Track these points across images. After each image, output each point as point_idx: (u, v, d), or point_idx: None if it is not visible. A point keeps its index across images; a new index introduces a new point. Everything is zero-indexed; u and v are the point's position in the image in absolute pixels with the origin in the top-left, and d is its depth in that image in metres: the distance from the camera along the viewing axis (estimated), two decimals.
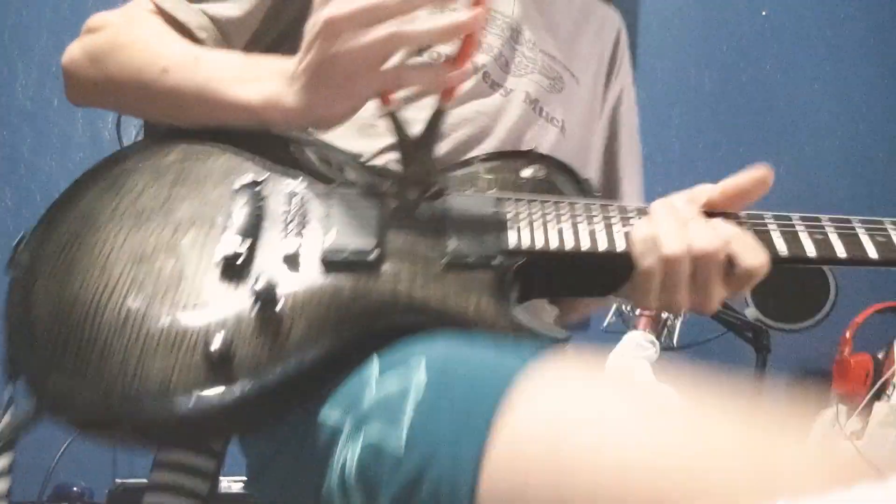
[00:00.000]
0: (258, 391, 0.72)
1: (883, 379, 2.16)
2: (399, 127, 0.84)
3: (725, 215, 0.83)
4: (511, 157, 0.97)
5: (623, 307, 2.04)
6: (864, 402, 2.16)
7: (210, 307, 0.75)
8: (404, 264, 0.81)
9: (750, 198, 0.85)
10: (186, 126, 0.92)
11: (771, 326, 2.27)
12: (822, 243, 0.81)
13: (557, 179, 0.94)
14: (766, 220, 0.84)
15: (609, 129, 1.24)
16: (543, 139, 1.07)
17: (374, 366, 0.74)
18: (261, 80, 0.86)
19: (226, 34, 0.99)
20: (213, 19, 0.98)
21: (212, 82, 0.88)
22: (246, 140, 0.90)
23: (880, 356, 2.24)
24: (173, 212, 0.82)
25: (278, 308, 0.76)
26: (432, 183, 0.86)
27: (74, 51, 0.96)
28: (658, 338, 1.95)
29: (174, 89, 0.90)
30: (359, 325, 0.78)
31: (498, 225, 0.84)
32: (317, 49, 0.81)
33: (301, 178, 0.87)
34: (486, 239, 0.83)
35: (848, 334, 2.33)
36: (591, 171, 1.19)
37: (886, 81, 2.76)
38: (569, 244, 0.82)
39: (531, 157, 0.96)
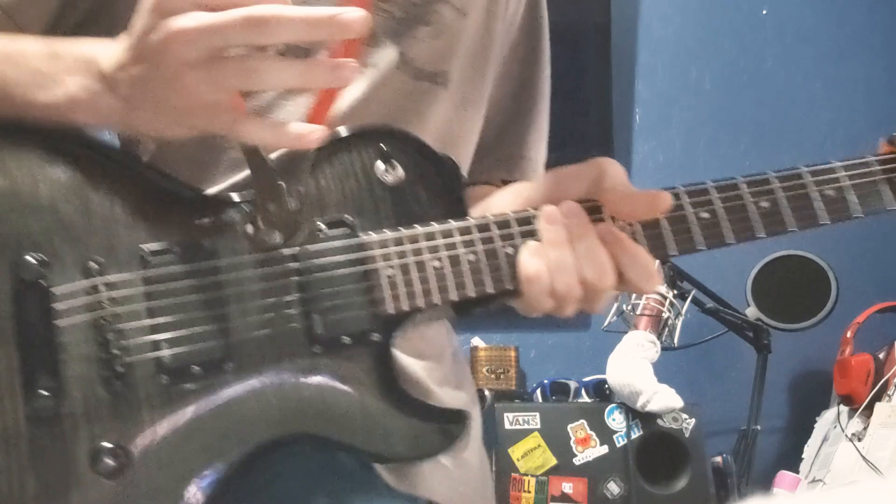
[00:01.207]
0: None
1: (884, 379, 2.15)
2: (257, 164, 0.66)
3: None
4: (354, 142, 0.74)
5: (624, 307, 2.04)
6: (866, 402, 2.15)
7: (43, 491, 0.59)
8: (267, 365, 0.66)
9: (636, 218, 0.75)
10: None
11: (772, 326, 2.26)
12: (711, 229, 0.75)
13: (416, 176, 0.74)
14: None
15: (516, 52, 1.00)
16: (430, 110, 0.87)
17: None
18: (69, 74, 0.67)
19: (14, 15, 0.77)
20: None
21: (7, 86, 0.70)
22: (12, 160, 0.67)
23: (881, 356, 2.23)
24: None
25: (130, 471, 0.61)
26: (292, 228, 0.68)
27: None
28: (659, 338, 1.95)
29: None
30: (231, 451, 0.64)
31: (367, 284, 0.69)
32: (144, 51, 0.62)
33: (95, 241, 0.66)
34: (356, 305, 0.68)
35: (849, 334, 2.32)
36: (475, 130, 0.96)
37: (887, 79, 2.75)
38: (453, 293, 0.70)
39: (380, 150, 0.74)
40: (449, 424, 0.70)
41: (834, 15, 2.77)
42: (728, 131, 2.66)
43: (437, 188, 0.74)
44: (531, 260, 0.71)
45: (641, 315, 1.98)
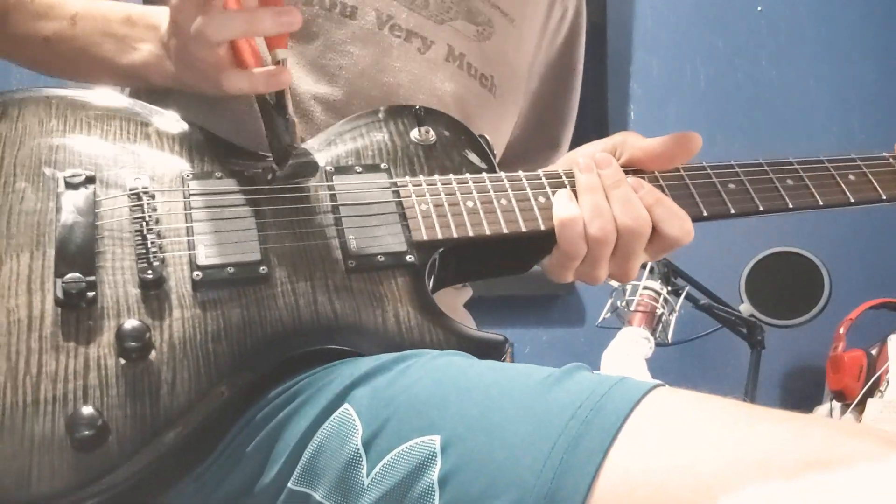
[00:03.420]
0: (150, 468, 0.58)
1: (876, 375, 2.16)
2: (265, 108, 0.73)
3: (639, 173, 0.79)
4: (392, 114, 0.81)
5: (618, 303, 2.05)
6: (858, 398, 2.16)
7: (62, 370, 0.58)
8: (300, 274, 0.67)
9: (673, 162, 0.80)
10: (65, 78, 0.85)
11: (765, 322, 2.27)
12: (741, 197, 0.79)
13: (449, 141, 0.80)
14: (682, 174, 0.80)
15: (552, 69, 1.06)
16: (473, 105, 0.91)
17: (354, 434, 0.58)
18: (142, 41, 0.78)
19: None
20: None
21: (91, 47, 0.80)
22: (59, 113, 0.72)
23: (874, 352, 2.24)
24: None
25: (152, 357, 0.60)
26: (304, 161, 0.72)
27: None
28: (653, 334, 1.95)
29: (59, 56, 0.82)
30: (259, 361, 0.63)
31: (400, 213, 0.71)
32: (173, 22, 0.73)
33: (142, 169, 0.70)
34: (391, 231, 0.70)
35: (842, 330, 2.33)
36: (509, 127, 1.01)
37: (881, 77, 2.76)
38: (486, 228, 0.71)
39: (416, 114, 0.81)
40: (485, 350, 0.69)
41: (828, 13, 2.78)
42: (723, 130, 2.67)
43: (469, 153, 0.79)
44: (565, 204, 0.73)
45: (635, 311, 1.99)
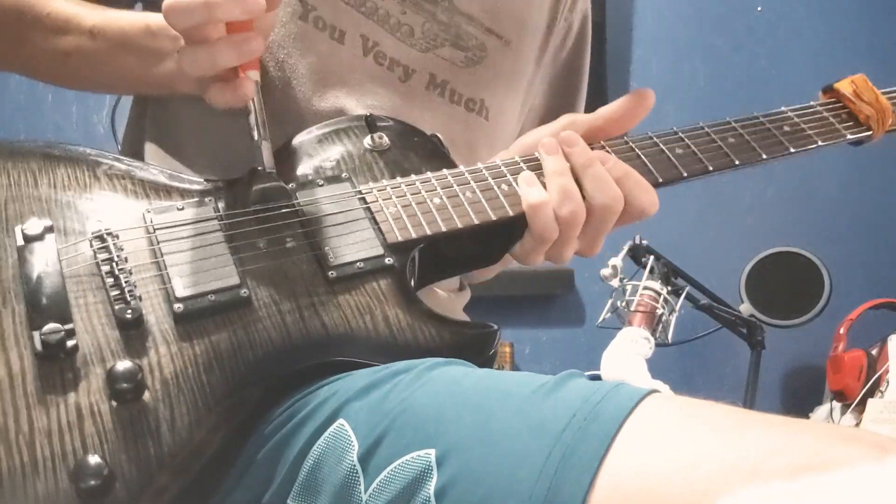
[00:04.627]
0: None
1: (877, 375, 2.16)
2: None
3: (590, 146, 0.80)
4: (342, 125, 0.82)
5: (618, 304, 2.04)
6: (858, 398, 2.16)
7: (55, 424, 0.56)
8: (282, 292, 0.66)
9: (634, 119, 0.81)
10: (87, 90, 0.87)
11: (765, 322, 2.27)
12: (689, 160, 0.82)
13: (404, 143, 0.81)
14: (631, 145, 0.82)
15: (556, 84, 1.07)
16: (457, 129, 0.92)
17: (350, 450, 0.58)
18: (167, 53, 0.78)
19: None
20: None
21: (115, 60, 0.80)
22: (1, 169, 0.71)
23: (874, 352, 2.24)
24: None
25: (146, 397, 0.58)
26: (270, 183, 0.72)
27: None
28: (653, 334, 1.95)
29: (82, 70, 0.82)
30: (253, 382, 0.62)
31: (370, 218, 0.72)
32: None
33: (98, 211, 0.69)
34: (365, 237, 0.71)
35: (842, 330, 2.33)
36: (506, 144, 0.99)
37: (881, 77, 2.76)
38: (457, 221, 0.72)
39: (366, 121, 0.82)
40: (478, 340, 0.70)
41: (828, 13, 2.78)
42: None
43: (425, 153, 0.81)
44: (532, 190, 0.74)
45: (635, 311, 1.98)
